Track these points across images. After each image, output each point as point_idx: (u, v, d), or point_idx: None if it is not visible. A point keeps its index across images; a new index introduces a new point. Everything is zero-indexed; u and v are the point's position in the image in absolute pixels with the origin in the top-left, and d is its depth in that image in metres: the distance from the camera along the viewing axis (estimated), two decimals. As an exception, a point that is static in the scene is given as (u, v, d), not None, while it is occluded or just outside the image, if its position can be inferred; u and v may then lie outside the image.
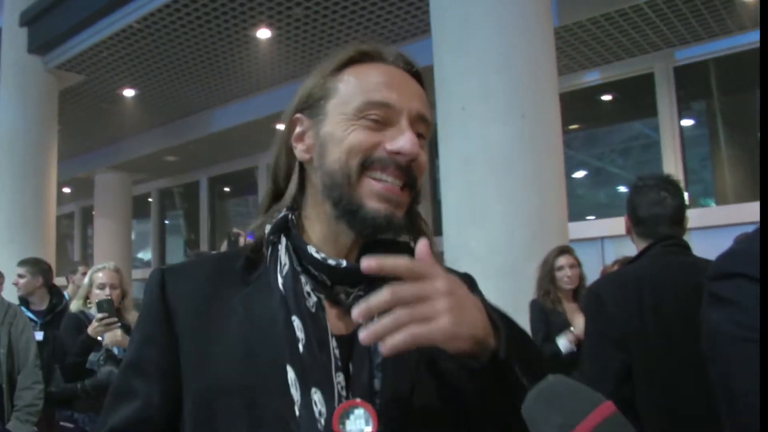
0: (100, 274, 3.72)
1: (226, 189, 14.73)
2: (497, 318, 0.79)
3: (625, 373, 2.07)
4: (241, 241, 3.31)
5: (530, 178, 4.41)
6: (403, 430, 0.84)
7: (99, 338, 3.49)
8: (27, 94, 8.31)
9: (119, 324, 3.53)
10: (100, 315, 3.46)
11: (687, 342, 1.97)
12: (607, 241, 8.53)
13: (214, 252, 2.95)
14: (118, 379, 0.98)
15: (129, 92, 9.91)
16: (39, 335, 4.16)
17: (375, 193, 0.88)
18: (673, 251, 2.24)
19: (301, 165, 0.96)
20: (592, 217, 9.57)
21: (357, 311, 0.73)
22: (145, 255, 15.91)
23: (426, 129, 0.94)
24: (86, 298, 3.73)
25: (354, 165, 0.88)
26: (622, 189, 10.72)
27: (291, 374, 0.84)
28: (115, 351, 3.60)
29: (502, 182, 4.40)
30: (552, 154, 4.63)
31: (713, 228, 6.75)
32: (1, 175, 7.97)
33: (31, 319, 4.13)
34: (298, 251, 0.92)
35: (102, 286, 3.66)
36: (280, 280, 0.90)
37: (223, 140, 11.56)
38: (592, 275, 4.10)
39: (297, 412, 0.82)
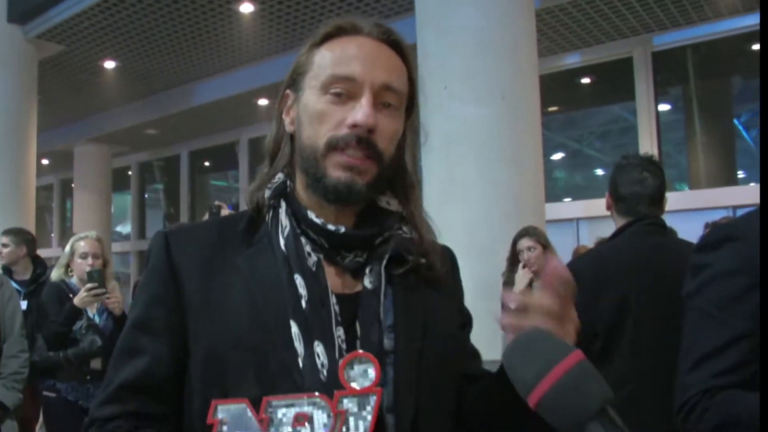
0: (82, 243, 3.70)
1: (207, 163, 14.66)
2: None
3: (588, 343, 2.13)
4: (223, 212, 3.32)
5: (509, 158, 4.51)
6: (414, 386, 0.91)
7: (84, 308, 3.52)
8: (6, 63, 8.19)
9: (107, 295, 3.54)
10: (89, 285, 3.46)
11: (659, 317, 2.12)
12: (582, 222, 8.67)
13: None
14: (124, 339, 1.00)
15: (110, 64, 9.80)
16: (23, 304, 4.17)
17: (337, 164, 0.93)
18: (652, 230, 2.30)
19: (291, 137, 1.01)
20: (569, 199, 9.71)
21: (511, 299, 0.88)
22: (124, 228, 15.81)
23: (396, 98, 0.97)
24: (67, 266, 3.70)
25: (321, 146, 0.93)
26: (599, 171, 10.87)
27: (294, 329, 0.89)
28: (97, 320, 3.64)
29: (482, 162, 4.49)
30: (531, 135, 4.73)
31: (686, 211, 6.89)
32: (-20, 146, 7.88)
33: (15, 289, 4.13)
34: (297, 215, 0.97)
35: (84, 255, 3.65)
36: (281, 241, 0.95)
37: (204, 114, 11.50)
38: (566, 256, 4.24)
39: (300, 364, 0.87)
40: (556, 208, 7.78)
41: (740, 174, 8.89)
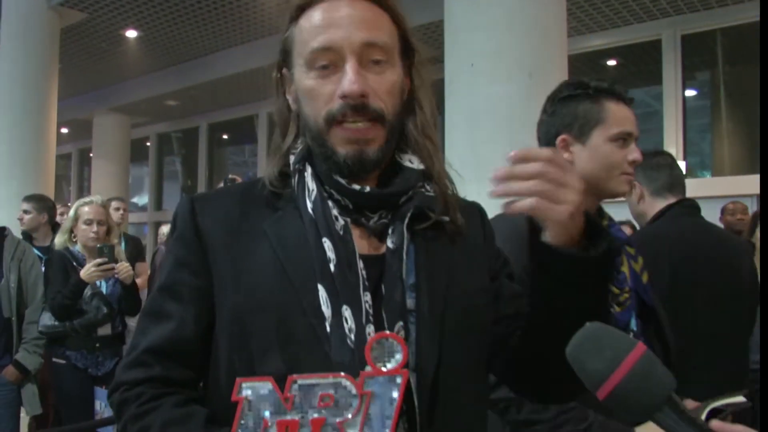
0: (86, 209, 3.65)
1: (225, 136, 14.66)
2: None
3: None
4: None
5: (535, 137, 4.44)
6: (437, 344, 0.91)
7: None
8: (28, 31, 8.18)
9: (116, 271, 3.52)
10: (98, 260, 3.43)
11: (709, 295, 2.19)
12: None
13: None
14: (150, 303, 1.00)
15: (132, 33, 9.78)
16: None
17: (342, 139, 0.93)
18: (692, 211, 2.39)
19: (298, 114, 1.01)
20: (589, 182, 9.62)
21: (500, 172, 0.87)
22: (141, 199, 15.89)
23: (383, 52, 0.94)
24: (71, 232, 3.67)
25: (321, 123, 0.93)
26: (620, 156, 10.75)
27: (322, 292, 0.89)
28: (103, 287, 3.62)
29: (506, 140, 4.42)
30: (557, 115, 4.66)
31: (708, 198, 6.80)
32: (2, 111, 7.90)
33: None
34: (322, 178, 0.97)
35: (89, 222, 3.62)
36: (309, 205, 0.95)
37: (224, 86, 11.47)
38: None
39: (328, 328, 0.88)
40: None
41: (764, 162, 8.75)
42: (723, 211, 5.92)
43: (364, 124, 0.92)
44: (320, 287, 0.89)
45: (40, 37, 8.27)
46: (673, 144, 8.46)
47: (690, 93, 8.81)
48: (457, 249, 1.01)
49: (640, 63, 9.32)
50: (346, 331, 0.87)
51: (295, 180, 0.98)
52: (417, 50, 1.02)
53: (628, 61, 9.38)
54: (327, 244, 0.91)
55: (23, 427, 3.86)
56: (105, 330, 3.62)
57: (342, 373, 0.78)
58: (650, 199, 2.46)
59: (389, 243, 0.95)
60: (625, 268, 1.58)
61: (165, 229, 7.56)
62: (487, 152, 4.45)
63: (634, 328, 1.56)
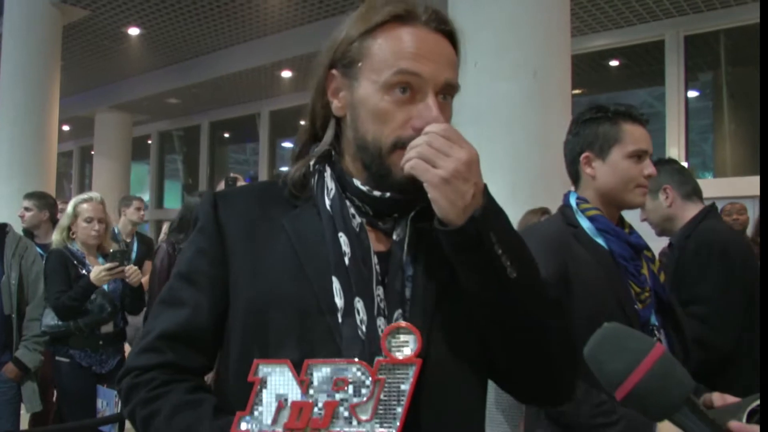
0: (86, 206, 3.61)
1: (226, 135, 14.67)
2: (488, 200, 0.92)
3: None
4: (239, 185, 3.29)
5: (537, 136, 4.43)
6: (428, 334, 0.92)
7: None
8: (30, 27, 8.17)
9: (126, 274, 3.49)
10: (109, 264, 3.42)
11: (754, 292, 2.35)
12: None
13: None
14: (166, 290, 1.03)
15: (134, 31, 9.78)
16: (44, 268, 4.17)
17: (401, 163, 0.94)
18: (720, 216, 2.65)
19: (337, 118, 1.03)
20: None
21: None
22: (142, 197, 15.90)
23: (453, 91, 0.99)
24: (69, 229, 3.63)
25: (387, 144, 0.95)
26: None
27: (336, 284, 0.92)
28: (105, 286, 3.56)
29: (510, 138, 4.42)
30: (560, 114, 4.63)
31: (709, 199, 6.80)
32: (4, 108, 7.90)
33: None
34: (342, 182, 1.00)
35: (89, 220, 3.59)
36: (327, 203, 0.98)
37: (226, 85, 11.48)
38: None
39: (340, 319, 0.91)
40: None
41: (766, 164, 8.74)
42: (721, 212, 5.93)
43: None
44: (334, 279, 0.92)
45: (42, 35, 8.27)
46: (675, 145, 8.45)
47: (692, 94, 8.81)
48: None
49: (643, 63, 9.31)
50: (358, 322, 0.90)
51: (314, 179, 1.01)
52: (458, 89, 1.05)
53: (631, 62, 9.37)
54: (343, 238, 0.95)
55: (24, 424, 3.85)
56: (107, 328, 3.60)
57: (356, 359, 0.81)
58: (681, 203, 2.59)
59: (394, 236, 0.99)
60: (644, 270, 1.72)
61: (164, 227, 7.54)
62: (489, 149, 4.44)
63: (656, 323, 1.70)
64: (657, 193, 2.59)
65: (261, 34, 9.78)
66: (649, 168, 1.73)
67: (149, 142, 15.24)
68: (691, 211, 2.56)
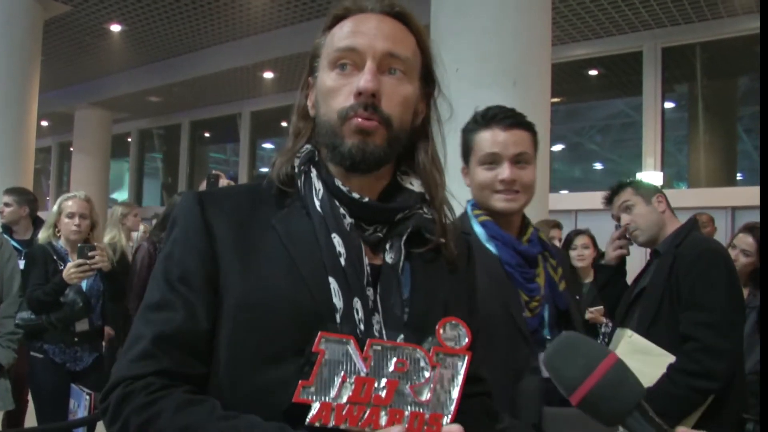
0: (70, 203, 3.60)
1: (207, 134, 14.61)
2: None
3: None
4: (221, 182, 3.26)
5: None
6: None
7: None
8: (11, 21, 8.06)
9: (95, 273, 3.46)
10: (79, 261, 3.36)
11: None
12: (580, 214, 8.70)
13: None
14: (155, 293, 0.96)
15: (116, 27, 9.72)
16: (22, 264, 4.15)
17: (349, 129, 0.96)
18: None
19: (313, 119, 1.05)
20: (565, 191, 9.73)
21: None
22: (121, 195, 15.77)
23: (402, 64, 0.99)
24: (54, 226, 3.62)
25: (334, 117, 0.97)
26: (598, 165, 10.88)
27: (334, 284, 0.92)
28: (83, 284, 3.55)
29: (489, 146, 4.47)
30: (539, 122, 4.61)
31: (684, 209, 6.93)
32: (-19, 102, 7.80)
33: (14, 248, 4.10)
34: (326, 181, 1.00)
35: (71, 215, 3.57)
36: (317, 203, 0.98)
37: (208, 84, 11.45)
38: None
39: (338, 319, 0.90)
40: (556, 199, 7.81)
41: (738, 176, 8.92)
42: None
43: (368, 117, 0.96)
44: (332, 280, 0.92)
45: (22, 29, 8.17)
46: (651, 155, 8.58)
47: (669, 105, 8.95)
48: (447, 273, 1.05)
49: (621, 74, 9.45)
50: (356, 321, 0.90)
51: (301, 180, 1.01)
52: (438, 84, 1.07)
53: (610, 72, 9.51)
54: (336, 239, 0.94)
55: (-2, 420, 3.82)
56: (82, 326, 3.56)
57: (417, 345, 0.83)
58: (670, 213, 2.58)
59: (387, 258, 0.98)
60: (540, 279, 1.67)
61: (141, 226, 7.48)
62: (469, 157, 4.50)
63: (548, 336, 1.64)
64: (651, 198, 2.57)
65: (244, 34, 9.78)
66: (503, 173, 1.66)
67: (129, 139, 15.13)
68: (675, 222, 2.57)
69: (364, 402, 0.79)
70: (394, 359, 0.81)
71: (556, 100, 9.60)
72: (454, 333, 0.86)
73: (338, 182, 0.98)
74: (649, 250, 2.66)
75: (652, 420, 0.78)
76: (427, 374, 0.81)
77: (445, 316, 0.96)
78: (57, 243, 3.60)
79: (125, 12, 9.13)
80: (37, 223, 4.67)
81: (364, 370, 0.80)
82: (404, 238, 0.99)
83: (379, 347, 0.81)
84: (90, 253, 3.38)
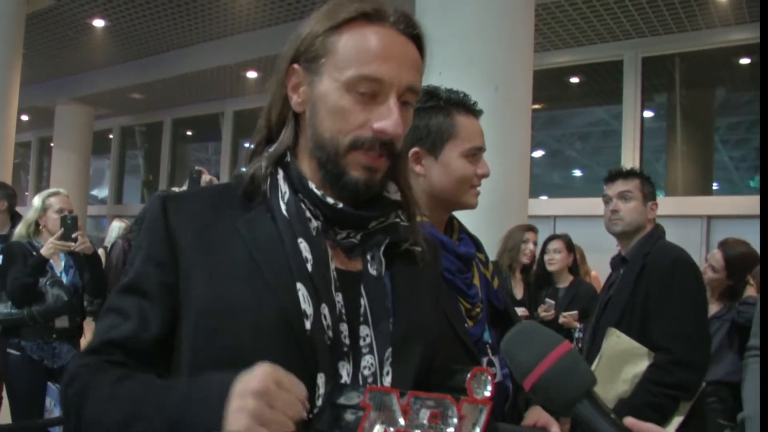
0: (54, 199, 3.62)
1: (189, 133, 14.54)
2: None
3: None
4: (204, 177, 3.25)
5: (497, 150, 4.51)
6: (412, 372, 0.96)
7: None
8: (-7, 14, 8.01)
9: (73, 245, 3.46)
10: (58, 234, 3.40)
11: None
12: (559, 219, 8.78)
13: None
14: (113, 299, 0.98)
15: (99, 23, 9.66)
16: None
17: (358, 164, 0.94)
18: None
19: (295, 113, 1.00)
20: (545, 197, 9.81)
21: None
22: (101, 192, 15.64)
23: (415, 97, 0.97)
24: (36, 224, 3.61)
25: (344, 143, 0.93)
26: (578, 172, 10.98)
27: (303, 290, 0.90)
28: (63, 278, 3.58)
29: (470, 150, 4.51)
30: (520, 129, 4.76)
31: (661, 217, 7.05)
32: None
33: (-9, 243, 4.06)
34: (295, 184, 0.97)
35: (60, 211, 3.58)
36: (282, 207, 0.96)
37: (191, 82, 11.40)
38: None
39: (307, 326, 0.88)
40: (535, 204, 7.88)
41: (714, 186, 9.06)
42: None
43: (379, 156, 0.94)
44: (300, 285, 0.90)
45: (4, 22, 8.08)
46: (630, 162, 8.68)
47: (647, 114, 9.06)
48: (423, 278, 1.05)
49: (602, 82, 9.56)
50: (325, 327, 0.89)
51: (267, 183, 0.98)
52: (420, 95, 1.04)
53: (591, 80, 9.61)
54: (303, 244, 0.92)
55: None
56: (62, 322, 3.55)
57: (449, 396, 0.83)
58: (652, 223, 2.59)
59: (371, 269, 0.97)
60: (476, 280, 1.57)
61: (117, 223, 7.44)
62: (450, 160, 4.53)
63: (489, 340, 1.55)
64: (648, 201, 2.58)
65: (227, 33, 9.76)
66: (483, 167, 1.56)
67: (110, 136, 15.01)
68: (647, 229, 2.58)
69: None
70: (429, 412, 0.82)
71: (537, 106, 9.70)
72: (480, 382, 0.89)
73: (312, 185, 0.96)
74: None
75: (601, 408, 0.79)
76: (455, 422, 0.82)
77: (428, 325, 1.01)
78: (37, 241, 3.58)
79: (109, 7, 9.08)
80: (15, 218, 4.63)
81: (403, 423, 0.81)
82: (382, 249, 0.98)
83: (417, 399, 0.82)
84: (74, 235, 3.39)
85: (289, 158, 0.99)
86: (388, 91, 0.92)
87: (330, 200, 0.95)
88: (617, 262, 2.67)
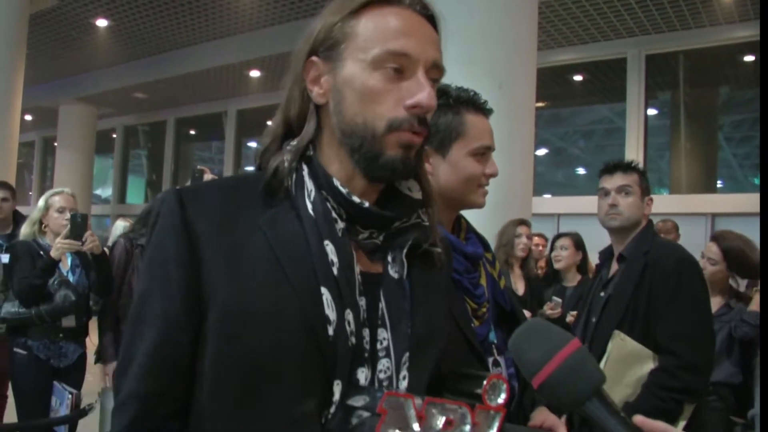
0: (58, 198, 3.61)
1: (192, 132, 14.55)
2: None
3: None
4: (206, 177, 3.23)
5: (501, 148, 4.48)
6: (427, 373, 0.95)
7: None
8: (-3, 13, 8.03)
9: (80, 245, 3.43)
10: (65, 232, 3.38)
11: None
12: (563, 217, 8.78)
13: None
14: (138, 305, 0.93)
15: (102, 22, 9.67)
16: (4, 258, 4.11)
17: (397, 143, 0.91)
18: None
19: (316, 107, 0.96)
20: (548, 195, 9.80)
21: None
22: (104, 192, 15.68)
23: (440, 74, 0.95)
24: (41, 223, 3.60)
25: (381, 127, 0.90)
26: (581, 170, 10.97)
27: (327, 295, 0.87)
28: (70, 277, 3.57)
29: (474, 148, 4.52)
30: (524, 126, 4.77)
31: (665, 215, 7.03)
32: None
33: (-5, 243, 4.07)
34: (320, 181, 0.93)
35: (62, 210, 3.57)
36: (309, 205, 0.92)
37: (194, 82, 11.41)
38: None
39: (330, 331, 0.86)
40: (539, 202, 7.88)
41: (719, 184, 9.04)
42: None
43: (419, 133, 0.92)
44: (324, 290, 0.87)
45: (8, 22, 8.10)
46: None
47: (651, 112, 9.04)
48: (439, 280, 1.04)
49: (605, 80, 9.54)
50: (348, 333, 0.87)
51: (291, 179, 0.94)
52: (444, 73, 1.02)
53: (594, 77, 9.59)
54: (329, 247, 0.89)
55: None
56: (69, 322, 3.54)
57: (464, 403, 0.83)
58: (646, 219, 2.56)
59: (391, 272, 0.95)
60: (483, 280, 1.55)
61: (121, 223, 7.44)
62: (454, 159, 4.54)
63: (494, 340, 1.54)
64: (645, 197, 2.55)
65: (231, 32, 9.77)
66: (492, 167, 1.53)
67: (114, 136, 15.03)
68: (642, 225, 2.56)
69: None
70: (444, 418, 0.82)
71: (540, 104, 9.68)
72: (495, 389, 0.89)
73: (337, 183, 0.93)
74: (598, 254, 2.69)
75: (610, 407, 0.79)
76: (468, 430, 0.82)
77: (443, 328, 1.00)
78: (42, 239, 3.59)
79: (112, 7, 9.09)
80: (17, 218, 4.63)
81: (418, 429, 0.80)
82: (405, 251, 0.96)
83: (433, 405, 0.82)
84: (84, 236, 3.39)
85: (311, 152, 0.96)
86: (415, 66, 0.90)
87: (356, 199, 0.92)
88: (607, 256, 2.64)
